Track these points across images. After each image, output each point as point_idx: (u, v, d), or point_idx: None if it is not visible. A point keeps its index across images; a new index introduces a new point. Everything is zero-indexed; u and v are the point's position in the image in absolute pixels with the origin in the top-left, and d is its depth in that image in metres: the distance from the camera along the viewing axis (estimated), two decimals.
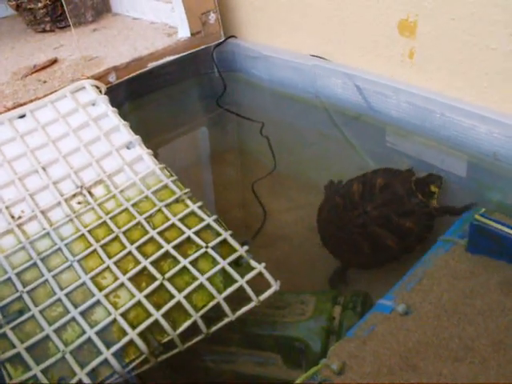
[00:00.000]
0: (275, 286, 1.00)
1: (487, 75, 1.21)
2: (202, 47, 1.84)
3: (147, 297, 0.99)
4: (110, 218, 1.18)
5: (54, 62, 1.78)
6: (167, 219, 1.16)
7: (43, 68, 1.73)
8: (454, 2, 1.19)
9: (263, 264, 1.03)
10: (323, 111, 1.61)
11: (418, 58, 1.34)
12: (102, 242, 1.12)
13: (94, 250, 1.11)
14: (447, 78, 1.30)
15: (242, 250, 1.07)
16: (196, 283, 1.01)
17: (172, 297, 0.99)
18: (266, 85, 1.81)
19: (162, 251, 1.08)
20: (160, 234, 1.12)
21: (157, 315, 0.95)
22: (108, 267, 1.07)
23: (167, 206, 1.19)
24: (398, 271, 1.03)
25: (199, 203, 1.19)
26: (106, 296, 1.01)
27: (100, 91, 1.53)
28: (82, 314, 0.99)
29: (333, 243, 1.29)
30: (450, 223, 1.11)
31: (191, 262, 1.05)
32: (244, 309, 0.98)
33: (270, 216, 1.43)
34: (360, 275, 1.27)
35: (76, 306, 1.00)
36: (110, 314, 0.98)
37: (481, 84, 1.23)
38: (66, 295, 1.02)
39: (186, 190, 1.22)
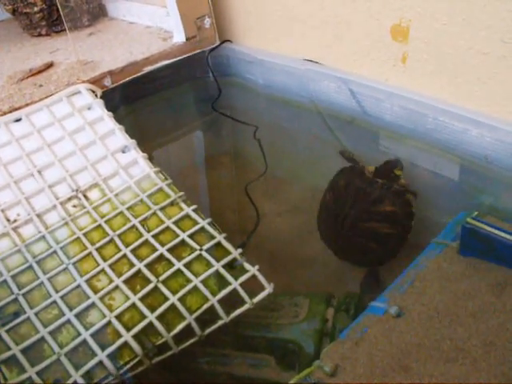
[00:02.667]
0: (269, 289, 1.01)
1: (479, 79, 1.22)
2: (197, 51, 1.85)
3: (142, 299, 1.00)
4: (105, 222, 1.18)
5: (50, 66, 1.78)
6: (162, 222, 1.17)
7: (39, 72, 1.73)
8: (446, 7, 1.20)
9: (257, 267, 1.04)
10: (317, 115, 1.61)
11: (411, 62, 1.35)
12: (97, 245, 1.13)
13: (89, 253, 1.11)
14: (440, 83, 1.31)
15: (235, 253, 1.07)
16: (190, 286, 1.01)
17: (166, 299, 1.00)
18: (260, 89, 1.82)
19: (156, 254, 1.09)
20: (155, 236, 1.13)
21: (151, 317, 0.96)
22: (103, 270, 1.08)
23: (162, 209, 1.20)
24: (391, 273, 1.04)
25: (193, 206, 1.20)
26: (101, 298, 1.02)
27: (95, 95, 1.54)
28: (77, 316, 0.99)
29: (344, 254, 1.31)
30: (442, 226, 1.12)
31: (185, 265, 1.06)
32: (238, 311, 0.98)
33: (264, 218, 1.43)
34: (354, 277, 1.27)
35: (71, 309, 1.00)
36: (104, 316, 0.98)
37: (473, 88, 1.24)
38: (62, 298, 1.03)
39: (181, 194, 1.23)
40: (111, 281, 1.05)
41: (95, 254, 1.11)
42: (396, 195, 1.25)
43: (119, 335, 0.95)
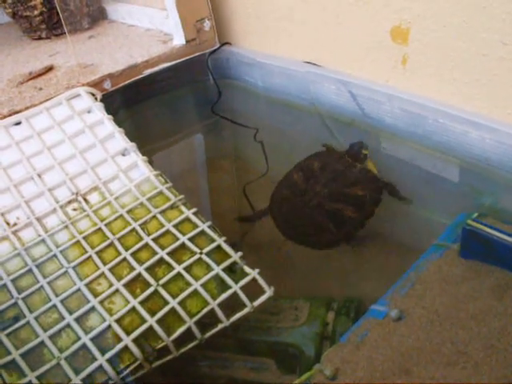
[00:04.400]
0: (269, 292, 1.01)
1: (479, 81, 1.22)
2: (197, 54, 1.85)
3: (142, 303, 1.00)
4: (105, 225, 1.18)
5: (50, 69, 1.78)
6: (162, 226, 1.16)
7: (39, 75, 1.73)
8: (445, 9, 1.20)
9: (257, 270, 1.04)
10: (317, 117, 1.61)
11: (411, 64, 1.35)
12: (97, 248, 1.13)
13: (89, 257, 1.11)
14: (440, 84, 1.31)
15: (235, 256, 1.07)
16: (190, 289, 1.01)
17: (166, 303, 0.99)
18: (260, 91, 1.82)
19: (156, 257, 1.08)
20: (155, 240, 1.13)
21: (151, 321, 0.96)
22: (103, 273, 1.07)
23: (162, 212, 1.19)
24: (391, 276, 1.04)
25: (194, 209, 1.19)
26: (101, 302, 1.01)
27: (95, 98, 1.54)
28: (77, 320, 0.99)
29: (297, 232, 1.34)
30: (443, 228, 1.12)
31: (185, 268, 1.06)
32: (238, 315, 0.98)
33: (264, 221, 1.43)
34: (354, 281, 1.27)
35: (71, 313, 1.00)
36: (104, 320, 0.98)
37: (472, 90, 1.24)
38: (61, 301, 1.03)
39: (181, 197, 1.23)
40: (111, 284, 1.05)
41: (95, 257, 1.11)
42: (370, 181, 1.31)
43: (119, 339, 0.94)
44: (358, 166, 1.32)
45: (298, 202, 1.32)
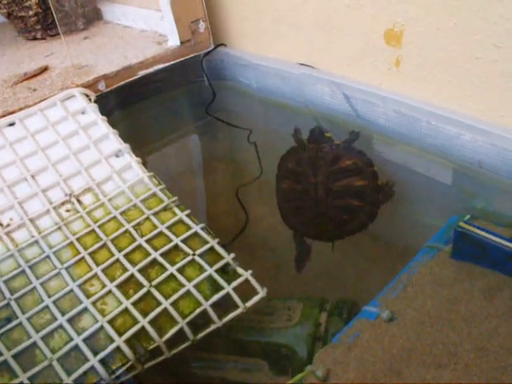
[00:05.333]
0: (262, 293, 1.01)
1: (472, 84, 1.22)
2: (192, 55, 1.85)
3: (134, 304, 1.00)
4: (99, 226, 1.18)
5: (45, 69, 1.78)
6: (155, 227, 1.16)
7: (34, 76, 1.73)
8: (438, 12, 1.21)
9: (250, 271, 1.04)
10: (311, 119, 1.62)
11: (405, 66, 1.35)
12: (90, 249, 1.13)
13: (82, 258, 1.11)
14: (433, 87, 1.31)
15: (228, 258, 1.07)
16: (183, 290, 1.01)
17: (159, 304, 1.00)
18: (254, 93, 1.82)
19: (149, 259, 1.09)
20: (148, 241, 1.13)
21: (143, 322, 0.96)
22: (96, 275, 1.07)
23: (155, 214, 1.20)
24: (383, 277, 1.04)
25: (187, 211, 1.20)
26: (94, 303, 1.02)
27: (90, 99, 1.53)
28: (70, 321, 0.99)
29: (314, 227, 1.33)
30: (435, 230, 1.12)
31: (178, 270, 1.06)
32: (231, 315, 0.98)
33: (257, 222, 1.44)
34: (347, 281, 1.28)
35: (63, 313, 1.00)
36: (97, 321, 0.98)
37: (466, 93, 1.24)
38: (54, 302, 1.03)
39: (174, 199, 1.23)
40: (104, 285, 1.05)
41: (88, 258, 1.11)
42: (347, 149, 1.34)
43: (111, 340, 0.95)
44: (325, 145, 1.34)
45: (311, 200, 1.30)
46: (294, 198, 1.35)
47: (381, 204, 1.30)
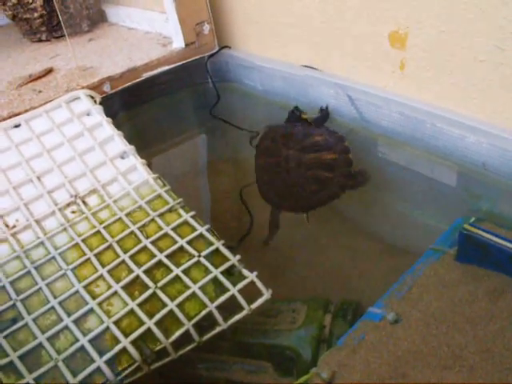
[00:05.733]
0: (267, 295, 1.01)
1: (476, 86, 1.22)
2: (196, 57, 1.85)
3: (140, 305, 1.00)
4: (104, 228, 1.18)
5: (50, 71, 1.79)
6: (160, 229, 1.17)
7: (39, 78, 1.74)
8: (443, 15, 1.21)
9: (255, 273, 1.04)
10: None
11: (409, 69, 1.36)
12: (96, 250, 1.13)
13: (88, 259, 1.12)
14: (437, 89, 1.31)
15: (234, 259, 1.08)
16: (188, 292, 1.01)
17: (164, 305, 1.00)
18: (259, 95, 1.82)
19: (154, 260, 1.09)
20: (153, 243, 1.13)
21: (149, 323, 0.96)
22: (101, 276, 1.08)
23: (160, 215, 1.20)
24: (387, 279, 1.04)
25: (192, 213, 1.20)
26: (99, 304, 1.02)
27: (95, 101, 1.54)
28: (75, 322, 0.99)
29: (287, 198, 1.39)
30: (440, 232, 1.12)
31: (184, 271, 1.06)
32: (236, 317, 0.98)
33: (261, 223, 1.44)
34: (351, 283, 1.28)
35: (69, 314, 1.01)
36: (102, 322, 0.98)
37: (470, 95, 1.25)
38: (60, 303, 1.03)
39: (179, 200, 1.23)
40: (110, 287, 1.05)
41: (94, 259, 1.11)
42: (319, 127, 1.43)
43: (117, 341, 0.95)
44: (298, 123, 1.44)
45: (282, 172, 1.37)
46: (268, 172, 1.41)
47: (353, 176, 1.36)
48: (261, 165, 1.44)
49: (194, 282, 1.03)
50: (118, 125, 1.45)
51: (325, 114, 1.50)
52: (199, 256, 1.09)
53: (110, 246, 1.14)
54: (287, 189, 1.37)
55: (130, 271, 1.08)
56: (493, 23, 1.13)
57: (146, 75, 1.73)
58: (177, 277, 1.05)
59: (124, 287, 1.04)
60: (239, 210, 1.49)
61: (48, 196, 1.27)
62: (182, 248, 1.12)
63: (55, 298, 1.04)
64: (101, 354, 0.93)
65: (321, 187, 1.35)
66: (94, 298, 1.03)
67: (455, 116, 1.27)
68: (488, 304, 0.93)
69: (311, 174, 1.35)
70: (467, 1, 1.15)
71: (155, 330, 0.95)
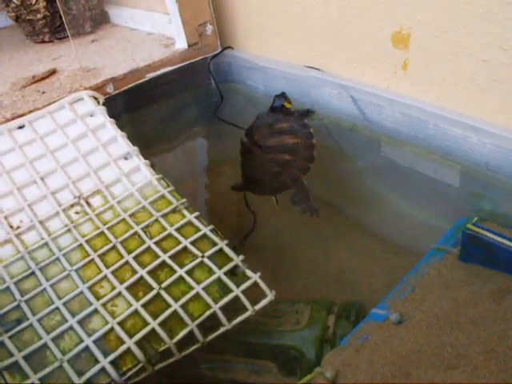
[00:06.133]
0: (270, 296, 1.01)
1: (479, 86, 1.22)
2: (199, 58, 1.85)
3: (144, 306, 1.01)
4: (108, 228, 1.19)
5: (53, 72, 1.79)
6: (164, 229, 1.17)
7: (42, 79, 1.74)
8: (446, 15, 1.21)
9: (258, 274, 1.05)
10: (318, 121, 1.62)
11: (412, 69, 1.36)
12: (100, 251, 1.13)
13: (92, 260, 1.12)
14: (440, 89, 1.31)
15: (237, 260, 1.08)
16: (192, 292, 1.02)
17: (168, 306, 1.00)
18: (262, 95, 1.83)
19: (158, 261, 1.09)
20: (157, 243, 1.14)
21: (154, 324, 0.97)
22: (105, 276, 1.08)
23: (164, 216, 1.20)
24: (390, 279, 1.04)
25: (196, 213, 1.20)
26: (104, 305, 1.02)
27: (98, 102, 1.54)
28: (80, 322, 1.00)
29: (255, 181, 1.45)
30: (443, 232, 1.13)
31: (187, 272, 1.06)
32: (240, 318, 0.99)
33: (264, 224, 1.44)
34: (355, 283, 1.28)
35: (74, 315, 1.01)
36: (107, 322, 0.99)
37: (473, 95, 1.25)
38: (64, 304, 1.04)
39: (183, 201, 1.23)
40: (114, 287, 1.06)
41: (98, 260, 1.12)
42: (291, 117, 1.49)
43: (122, 342, 0.95)
44: (271, 113, 1.53)
45: (255, 158, 1.43)
46: (242, 158, 1.47)
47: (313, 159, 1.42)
48: (240, 151, 1.49)
49: (198, 282, 1.04)
50: (121, 126, 1.45)
51: (308, 112, 1.57)
52: (203, 256, 1.09)
53: (113, 247, 1.14)
54: (254, 172, 1.44)
55: (134, 272, 1.08)
56: (496, 23, 1.13)
57: (148, 76, 1.73)
58: (181, 277, 1.06)
59: (128, 288, 1.05)
60: (242, 210, 1.49)
61: (52, 197, 1.27)
62: (185, 248, 1.12)
63: (59, 298, 1.05)
64: (105, 354, 0.94)
65: (282, 170, 1.40)
66: (98, 298, 1.04)
67: (458, 116, 1.27)
68: (492, 304, 0.93)
69: (272, 158, 1.41)
70: (470, 1, 1.15)
71: (159, 330, 0.96)
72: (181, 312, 0.98)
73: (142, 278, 1.06)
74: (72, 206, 1.26)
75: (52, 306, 1.03)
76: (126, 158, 1.36)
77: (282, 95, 1.57)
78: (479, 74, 1.21)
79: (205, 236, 1.15)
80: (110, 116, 1.47)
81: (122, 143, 1.39)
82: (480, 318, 0.91)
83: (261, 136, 1.43)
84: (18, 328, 1.00)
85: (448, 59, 1.26)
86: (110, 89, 1.65)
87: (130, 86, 1.70)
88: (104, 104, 1.55)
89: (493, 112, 1.22)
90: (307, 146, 1.41)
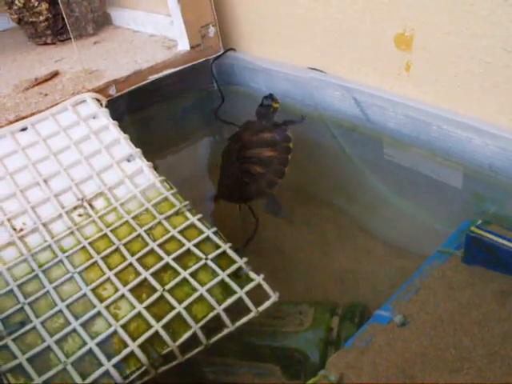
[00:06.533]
0: (274, 297, 1.01)
1: (482, 88, 1.22)
2: (202, 60, 1.85)
3: (147, 308, 1.00)
4: (111, 231, 1.19)
5: (55, 74, 1.79)
6: (167, 231, 1.17)
7: (44, 81, 1.74)
8: (449, 17, 1.21)
9: (262, 275, 1.04)
10: (321, 123, 1.62)
11: (415, 71, 1.36)
12: (103, 253, 1.13)
13: (95, 262, 1.12)
14: (443, 91, 1.31)
15: (241, 262, 1.08)
16: (196, 294, 1.02)
17: (172, 308, 1.00)
18: None
19: (162, 263, 1.09)
20: (160, 246, 1.14)
21: (157, 327, 0.96)
22: (109, 279, 1.08)
23: (167, 218, 1.20)
24: (393, 281, 1.04)
25: (199, 216, 1.20)
26: (107, 307, 1.02)
27: (101, 104, 1.54)
28: (83, 325, 1.00)
29: (226, 188, 1.48)
30: (446, 235, 1.12)
31: (191, 274, 1.06)
32: (243, 319, 0.98)
33: (266, 226, 1.44)
34: (359, 285, 1.28)
35: (77, 318, 1.01)
36: (110, 325, 0.99)
37: (476, 97, 1.25)
38: (67, 307, 1.03)
39: (186, 203, 1.23)
40: (117, 290, 1.05)
41: (101, 262, 1.11)
42: (276, 126, 1.51)
43: (125, 345, 0.95)
44: (257, 121, 1.56)
45: (229, 166, 1.48)
46: (222, 161, 1.52)
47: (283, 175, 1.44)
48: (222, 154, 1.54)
49: (202, 284, 1.04)
50: (123, 128, 1.45)
51: (296, 119, 1.58)
52: (206, 259, 1.09)
53: (117, 249, 1.14)
54: (226, 180, 1.47)
55: (138, 274, 1.08)
56: (499, 25, 1.13)
57: (151, 78, 1.73)
58: (184, 279, 1.05)
59: (131, 290, 1.05)
60: (245, 212, 1.49)
61: (55, 199, 1.27)
62: (189, 251, 1.12)
63: (63, 301, 1.05)
64: (109, 357, 0.94)
65: (250, 181, 1.43)
66: (101, 301, 1.03)
67: (461, 118, 1.27)
68: (496, 306, 0.93)
69: (245, 168, 1.43)
70: (473, 2, 1.15)
71: (163, 333, 0.96)
72: (184, 314, 0.98)
73: (145, 280, 1.06)
74: (75, 208, 1.26)
75: (55, 309, 1.03)
76: (128, 160, 1.36)
77: (270, 96, 1.60)
78: (482, 76, 1.21)
79: (208, 238, 1.15)
80: (113, 118, 1.47)
81: (124, 145, 1.39)
82: (484, 319, 0.91)
83: (241, 145, 1.47)
84: (22, 330, 1.00)
85: (451, 61, 1.26)
86: (112, 91, 1.65)
87: (133, 87, 1.70)
88: (107, 106, 1.55)
89: (496, 113, 1.22)
90: (281, 161, 1.44)
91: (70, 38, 2.12)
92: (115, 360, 0.93)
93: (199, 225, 1.18)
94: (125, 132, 1.42)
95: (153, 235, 1.17)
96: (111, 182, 1.31)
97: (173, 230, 1.17)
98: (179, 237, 1.15)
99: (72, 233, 1.20)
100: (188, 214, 1.21)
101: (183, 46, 1.83)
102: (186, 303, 1.00)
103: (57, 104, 1.53)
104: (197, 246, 1.13)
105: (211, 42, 1.86)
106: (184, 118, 1.96)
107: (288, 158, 1.44)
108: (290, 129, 1.51)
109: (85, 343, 0.96)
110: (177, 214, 1.22)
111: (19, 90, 1.69)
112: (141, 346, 0.94)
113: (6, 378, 0.93)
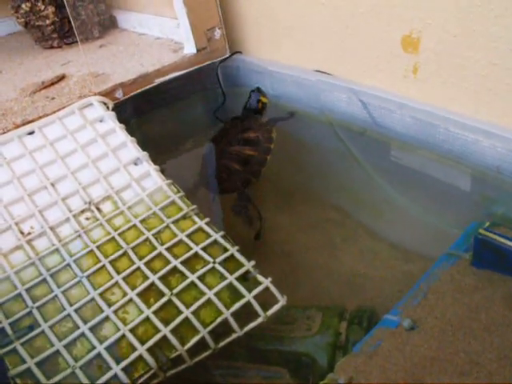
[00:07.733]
0: (282, 301, 1.01)
1: (490, 90, 1.22)
2: (208, 63, 1.86)
3: (155, 312, 1.00)
4: (119, 234, 1.19)
5: (62, 78, 1.80)
6: (175, 235, 1.17)
7: (51, 84, 1.75)
8: (456, 19, 1.21)
9: (270, 279, 1.04)
10: (328, 126, 1.62)
11: (422, 73, 1.35)
12: (111, 257, 1.13)
13: (103, 266, 1.12)
14: (451, 93, 1.31)
15: (248, 265, 1.07)
16: (204, 298, 1.01)
17: (180, 312, 1.00)
18: (271, 100, 1.82)
19: (169, 267, 1.09)
20: (168, 249, 1.14)
21: (165, 331, 0.96)
22: (117, 283, 1.08)
23: (175, 222, 1.20)
24: (401, 285, 1.04)
25: (206, 219, 1.20)
26: (115, 312, 1.02)
27: (107, 107, 1.55)
28: (92, 329, 1.00)
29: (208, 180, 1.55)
30: (454, 237, 1.12)
31: (199, 278, 1.06)
32: (252, 324, 0.98)
33: (273, 229, 1.44)
34: (367, 289, 1.27)
35: (85, 322, 1.01)
36: (118, 329, 0.99)
37: (484, 99, 1.24)
38: (76, 311, 1.03)
39: (193, 207, 1.23)
40: (125, 294, 1.05)
41: (109, 266, 1.11)
42: (262, 125, 1.58)
43: (133, 348, 0.95)
44: (244, 119, 1.63)
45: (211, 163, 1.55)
46: (204, 152, 1.61)
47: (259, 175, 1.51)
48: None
49: (210, 288, 1.03)
50: (130, 131, 1.45)
51: (291, 115, 1.68)
52: (214, 262, 1.09)
53: (124, 253, 1.14)
54: (208, 171, 1.53)
55: (146, 278, 1.08)
56: (507, 27, 1.12)
57: (157, 81, 1.74)
58: (192, 283, 1.05)
59: (139, 294, 1.05)
60: (252, 216, 1.49)
61: (62, 203, 1.27)
62: (196, 254, 1.12)
63: (71, 305, 1.05)
64: (117, 361, 0.94)
65: (227, 177, 1.50)
66: (109, 305, 1.03)
67: (469, 120, 1.27)
68: (505, 310, 0.92)
69: (224, 163, 1.51)
70: (480, 4, 1.15)
71: (171, 337, 0.96)
72: (192, 319, 0.98)
73: (153, 284, 1.06)
74: (82, 211, 1.26)
75: (64, 313, 1.03)
76: (135, 164, 1.37)
77: (258, 90, 1.67)
78: (490, 78, 1.21)
79: (215, 242, 1.15)
80: (120, 121, 1.48)
81: (131, 148, 1.39)
82: (493, 323, 0.90)
83: (225, 141, 1.55)
84: (31, 335, 1.00)
85: (458, 63, 1.25)
86: (119, 94, 1.65)
87: (139, 91, 1.70)
88: (113, 109, 1.55)
89: (504, 115, 1.22)
90: (259, 162, 1.51)
91: (77, 42, 2.13)
92: (124, 364, 0.93)
93: (207, 228, 1.18)
94: (131, 135, 1.43)
95: (160, 239, 1.17)
96: (118, 185, 1.31)
97: (180, 233, 1.17)
98: (187, 240, 1.15)
99: (79, 236, 1.20)
100: (196, 218, 1.21)
101: (189, 48, 1.83)
102: (193, 307, 1.00)
103: (64, 107, 1.54)
104: (204, 249, 1.13)
105: (217, 44, 1.86)
106: (190, 120, 1.96)
107: (267, 158, 1.50)
108: (280, 124, 1.59)
109: (93, 347, 0.97)
110: (184, 217, 1.21)
111: (26, 94, 1.70)
112: (149, 350, 0.94)
113: (14, 382, 0.93)
